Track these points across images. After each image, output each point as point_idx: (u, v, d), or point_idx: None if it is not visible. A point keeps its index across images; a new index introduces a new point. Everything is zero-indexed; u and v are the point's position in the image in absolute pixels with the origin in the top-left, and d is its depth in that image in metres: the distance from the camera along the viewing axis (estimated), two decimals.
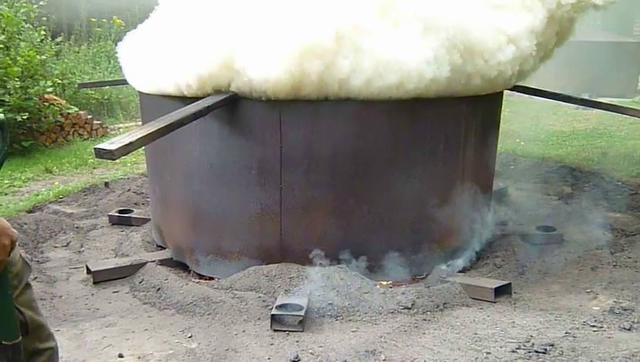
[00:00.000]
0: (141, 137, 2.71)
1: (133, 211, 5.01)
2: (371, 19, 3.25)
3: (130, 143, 2.65)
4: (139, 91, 4.22)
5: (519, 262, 3.88)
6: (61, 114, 7.87)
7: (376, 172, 3.43)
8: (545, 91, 4.48)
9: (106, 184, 5.92)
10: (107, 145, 2.62)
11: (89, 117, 8.64)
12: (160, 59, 3.73)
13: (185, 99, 3.45)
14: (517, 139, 7.12)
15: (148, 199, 5.51)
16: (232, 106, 3.36)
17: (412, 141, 3.49)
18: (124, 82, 4.94)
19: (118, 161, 7.02)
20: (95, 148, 2.64)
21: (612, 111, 4.40)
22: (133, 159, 7.16)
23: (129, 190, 5.75)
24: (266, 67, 3.17)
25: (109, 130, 8.99)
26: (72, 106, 8.25)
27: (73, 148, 7.74)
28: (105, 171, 6.66)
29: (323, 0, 3.27)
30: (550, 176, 5.80)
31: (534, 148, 6.97)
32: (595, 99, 4.68)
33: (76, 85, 8.19)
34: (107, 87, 8.85)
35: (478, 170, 3.93)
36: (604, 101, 11.63)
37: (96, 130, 8.65)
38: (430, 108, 3.46)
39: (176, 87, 3.53)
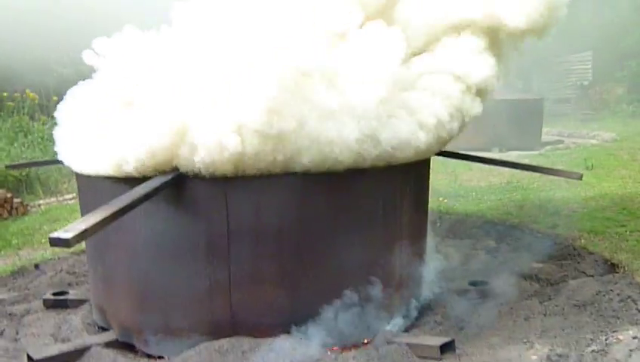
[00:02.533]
0: (95, 223, 2.74)
1: (68, 293, 4.88)
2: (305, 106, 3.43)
3: (86, 230, 2.67)
4: (75, 173, 4.21)
5: (457, 317, 4.08)
6: None
7: (320, 240, 3.57)
8: (479, 156, 4.85)
9: (36, 266, 5.75)
10: (62, 233, 2.62)
11: (8, 195, 8.39)
12: (100, 139, 3.78)
13: (126, 181, 3.50)
14: (440, 197, 7.46)
15: (82, 279, 5.41)
16: (177, 184, 3.43)
17: (351, 209, 3.67)
18: (56, 162, 4.90)
19: (44, 240, 6.86)
20: (50, 238, 2.63)
21: (544, 173, 4.77)
22: None
23: (61, 271, 5.60)
24: (211, 147, 3.28)
25: (29, 207, 8.74)
26: None
27: None
28: (31, 252, 6.46)
29: (256, 79, 3.41)
30: (475, 231, 6.12)
31: (456, 204, 7.34)
32: (525, 163, 5.07)
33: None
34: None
35: (414, 231, 4.15)
36: (513, 153, 12.41)
37: (16, 208, 8.39)
38: (366, 177, 3.66)
39: (118, 167, 3.57)
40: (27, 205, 8.65)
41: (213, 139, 3.28)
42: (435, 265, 4.83)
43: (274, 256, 3.51)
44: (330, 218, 3.59)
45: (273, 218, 3.47)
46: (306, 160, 3.39)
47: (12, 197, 8.41)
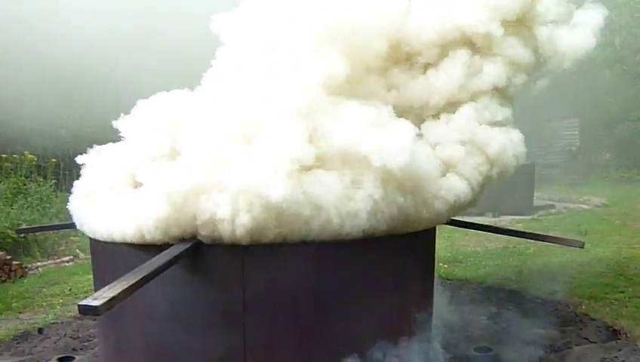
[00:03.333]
0: (122, 291, 2.81)
1: (75, 358, 4.89)
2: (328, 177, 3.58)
3: (114, 298, 2.74)
4: (90, 238, 4.29)
5: None
6: None
7: (333, 308, 3.65)
8: (489, 226, 5.02)
9: (40, 330, 5.74)
10: (91, 301, 2.70)
11: (8, 257, 8.40)
12: (118, 206, 3.89)
13: (144, 247, 3.60)
14: (439, 262, 7.55)
15: (86, 344, 5.42)
16: (194, 252, 3.53)
17: (364, 277, 3.76)
18: (69, 226, 4.99)
19: (44, 303, 6.87)
20: (79, 306, 2.70)
21: (548, 242, 4.92)
22: (61, 301, 7.00)
23: (65, 335, 5.60)
24: (231, 217, 3.40)
25: (27, 270, 8.73)
26: None
27: None
28: (32, 315, 6.45)
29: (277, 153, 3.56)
30: (475, 296, 6.20)
31: (455, 270, 7.44)
32: (532, 232, 5.20)
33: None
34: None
35: (422, 297, 4.23)
36: (507, 218, 12.56)
37: (14, 270, 8.39)
38: (378, 246, 3.77)
39: (137, 235, 3.66)
40: (26, 267, 8.64)
41: (231, 211, 3.40)
42: (440, 331, 4.90)
43: (288, 323, 3.57)
44: (343, 286, 3.67)
45: (288, 286, 3.55)
46: (321, 230, 3.51)
47: (11, 260, 8.41)
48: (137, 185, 4.14)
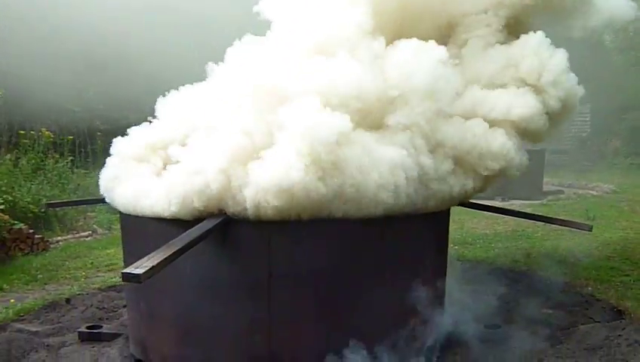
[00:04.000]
0: (161, 261, 3.03)
1: (102, 327, 5.13)
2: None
3: (153, 267, 2.96)
4: (120, 212, 4.51)
5: (475, 359, 4.35)
6: (6, 230, 7.90)
7: (353, 282, 3.86)
8: (500, 208, 5.23)
9: (67, 300, 6.00)
10: (133, 269, 2.92)
11: (30, 231, 8.66)
12: (150, 181, 4.11)
13: (174, 222, 3.82)
14: (450, 244, 7.75)
15: (112, 314, 5.66)
16: (223, 227, 3.74)
17: (383, 253, 3.97)
18: (98, 201, 5.22)
19: (68, 276, 7.12)
20: (123, 273, 2.92)
21: (557, 224, 5.11)
22: (84, 273, 7.25)
23: (91, 305, 5.85)
24: (258, 193, 3.60)
25: (49, 243, 9.00)
26: (17, 222, 8.28)
27: (18, 264, 7.73)
28: (57, 287, 6.72)
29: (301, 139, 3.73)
30: (485, 277, 6.39)
31: (465, 251, 7.64)
32: (531, 212, 5.40)
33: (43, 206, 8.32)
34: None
35: (437, 274, 4.45)
36: (516, 203, 12.71)
37: (37, 244, 8.66)
38: (398, 224, 3.97)
39: (168, 209, 3.87)
40: (47, 241, 8.90)
41: (261, 186, 3.59)
42: (452, 309, 5.11)
43: (311, 296, 3.79)
44: (364, 262, 3.89)
45: (311, 261, 3.77)
46: (345, 208, 3.71)
47: (34, 233, 8.68)
48: (168, 162, 4.35)
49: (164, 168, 4.17)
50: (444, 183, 4.16)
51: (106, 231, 10.53)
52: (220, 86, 4.45)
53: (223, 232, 3.75)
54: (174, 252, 3.17)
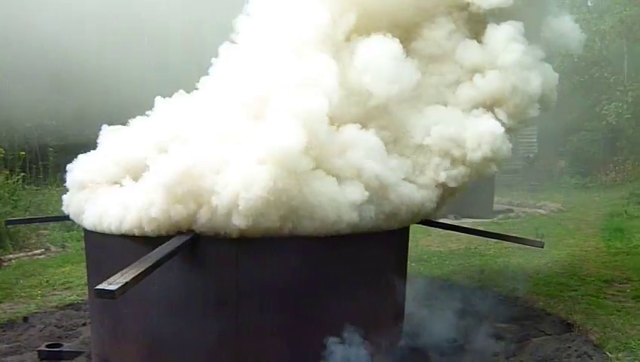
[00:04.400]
0: (134, 277, 3.09)
1: (63, 345, 5.10)
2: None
3: (127, 283, 3.02)
4: (85, 229, 4.52)
5: None
6: None
7: (319, 297, 3.98)
8: (459, 226, 5.43)
9: (25, 319, 5.92)
10: (107, 285, 2.97)
11: None
12: (116, 197, 4.15)
13: (141, 239, 3.87)
14: None
15: (71, 333, 5.62)
16: (192, 244, 3.81)
17: (346, 269, 4.11)
18: (60, 219, 5.20)
19: (23, 294, 7.02)
20: (96, 289, 2.96)
21: (511, 241, 5.34)
22: (40, 292, 7.15)
23: (50, 324, 5.79)
24: (224, 211, 3.69)
25: (1, 261, 8.81)
26: None
27: None
28: (13, 305, 6.59)
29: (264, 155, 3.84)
30: (441, 293, 6.59)
31: (421, 268, 7.84)
32: (488, 230, 5.65)
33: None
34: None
35: (397, 290, 4.60)
36: (468, 221, 13.04)
37: None
38: (360, 241, 4.11)
39: (137, 227, 3.92)
40: (0, 259, 8.72)
41: (227, 204, 3.69)
42: (410, 323, 5.27)
43: (278, 311, 3.89)
44: (329, 277, 4.02)
45: (278, 276, 3.87)
46: (310, 225, 3.84)
47: None
48: (133, 177, 4.40)
49: (131, 184, 4.22)
50: (407, 197, 4.30)
51: (60, 249, 10.35)
52: (199, 97, 4.59)
53: (191, 249, 3.82)
54: (147, 268, 3.23)
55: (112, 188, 4.37)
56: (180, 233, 3.81)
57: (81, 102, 15.44)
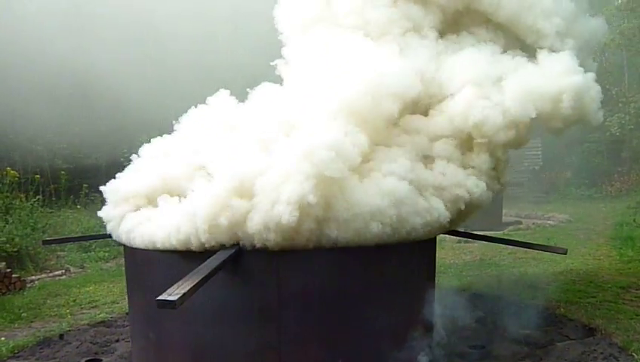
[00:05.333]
0: (190, 288, 3.27)
1: (102, 360, 5.26)
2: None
3: (184, 294, 3.20)
4: (127, 246, 4.70)
5: None
6: None
7: (355, 306, 4.16)
8: (481, 235, 5.62)
9: (61, 336, 6.07)
10: (167, 296, 3.15)
11: (8, 270, 8.66)
12: (158, 214, 4.34)
13: (186, 254, 4.06)
14: None
15: (106, 349, 5.78)
16: (235, 257, 4.00)
17: (381, 278, 4.29)
18: (100, 237, 5.38)
19: (53, 313, 7.18)
20: (157, 300, 3.14)
21: (535, 249, 5.52)
22: (68, 311, 7.31)
23: (85, 341, 5.95)
24: (268, 226, 3.89)
25: (25, 283, 8.98)
26: None
27: None
28: (44, 324, 6.77)
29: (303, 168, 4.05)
30: (463, 302, 6.75)
31: (440, 279, 7.98)
32: (515, 239, 5.85)
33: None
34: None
35: (428, 300, 4.77)
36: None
37: (14, 283, 8.64)
38: (394, 251, 4.30)
39: (182, 242, 4.10)
40: (24, 280, 8.89)
41: (271, 220, 3.88)
42: (438, 331, 5.43)
43: (317, 319, 4.06)
44: (365, 286, 4.20)
45: (317, 286, 4.05)
46: (344, 237, 4.03)
47: (11, 273, 8.66)
48: (172, 194, 4.60)
49: (174, 202, 4.41)
50: (434, 210, 4.49)
51: (80, 270, 10.53)
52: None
53: (234, 262, 4.00)
54: (201, 279, 3.41)
55: (153, 206, 4.56)
56: (223, 247, 3.99)
57: (91, 125, 15.70)
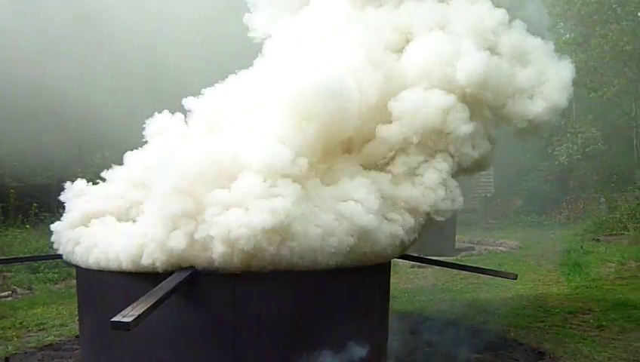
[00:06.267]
0: (145, 310, 3.24)
1: None
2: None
3: (139, 316, 3.17)
4: (77, 266, 4.61)
5: None
6: None
7: (311, 328, 4.17)
8: (433, 259, 5.71)
9: (7, 359, 5.88)
10: (121, 318, 3.11)
11: None
12: (111, 235, 4.28)
13: (140, 275, 4.02)
14: None
15: None
16: (190, 279, 3.97)
17: (336, 301, 4.32)
18: (51, 257, 5.26)
19: None
20: (112, 321, 3.10)
21: (485, 274, 5.63)
22: (14, 333, 7.09)
23: None
24: (226, 249, 3.88)
25: None
26: None
27: None
28: None
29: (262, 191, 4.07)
30: (417, 327, 6.83)
31: (393, 304, 8.04)
32: (469, 265, 5.94)
33: None
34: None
35: (381, 323, 4.82)
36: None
37: None
38: (348, 274, 4.33)
39: (134, 263, 4.06)
40: None
41: (228, 241, 3.88)
42: (391, 355, 5.48)
43: (273, 342, 4.06)
44: (320, 310, 4.22)
45: (273, 309, 4.05)
46: (303, 260, 4.05)
47: None
48: (125, 216, 4.55)
49: (129, 223, 4.37)
50: (392, 231, 4.54)
51: (27, 291, 10.23)
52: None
53: (190, 284, 3.97)
54: (156, 301, 3.38)
55: (107, 226, 4.50)
56: (180, 269, 3.96)
57: (43, 143, 15.37)
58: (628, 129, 21.23)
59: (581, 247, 12.96)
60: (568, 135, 20.98)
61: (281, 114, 4.38)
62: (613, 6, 19.52)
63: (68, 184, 4.99)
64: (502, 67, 5.00)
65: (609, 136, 21.35)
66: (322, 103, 4.27)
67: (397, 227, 4.65)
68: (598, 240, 14.49)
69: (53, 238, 4.86)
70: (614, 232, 15.22)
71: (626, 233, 14.52)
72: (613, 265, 10.92)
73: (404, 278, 10.70)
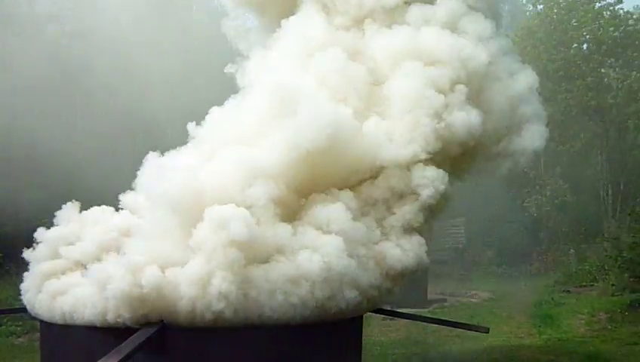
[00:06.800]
0: None
1: None
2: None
3: None
4: (42, 321, 4.48)
5: None
6: None
7: None
8: (400, 312, 5.66)
9: None
10: None
11: None
12: (84, 290, 4.18)
13: (106, 330, 3.92)
14: None
15: None
16: (158, 334, 3.88)
17: (307, 357, 4.25)
18: (12, 311, 5.10)
19: None
20: None
21: (450, 326, 5.60)
22: None
23: None
24: (194, 302, 3.82)
25: None
26: None
27: None
28: None
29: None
30: None
31: (366, 357, 7.95)
32: (438, 317, 5.91)
33: None
34: None
35: None
36: (404, 311, 13.29)
37: None
38: (320, 329, 4.29)
39: (101, 318, 3.96)
40: None
41: (197, 296, 3.82)
42: None
43: None
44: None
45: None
46: (269, 317, 4.00)
47: None
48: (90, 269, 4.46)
49: (90, 276, 4.27)
50: (360, 288, 4.52)
51: None
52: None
53: (157, 339, 3.88)
54: (122, 358, 3.28)
55: (72, 279, 4.40)
56: (148, 323, 3.87)
57: (9, 192, 15.08)
58: (595, 181, 21.65)
59: (552, 299, 13.02)
60: (537, 187, 21.30)
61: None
62: (578, 62, 20.17)
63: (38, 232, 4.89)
64: None
65: (577, 188, 21.72)
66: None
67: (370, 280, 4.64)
68: (568, 291, 14.59)
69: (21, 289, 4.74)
70: (584, 284, 15.35)
71: (596, 284, 14.65)
72: (583, 316, 10.98)
73: (377, 331, 10.59)
